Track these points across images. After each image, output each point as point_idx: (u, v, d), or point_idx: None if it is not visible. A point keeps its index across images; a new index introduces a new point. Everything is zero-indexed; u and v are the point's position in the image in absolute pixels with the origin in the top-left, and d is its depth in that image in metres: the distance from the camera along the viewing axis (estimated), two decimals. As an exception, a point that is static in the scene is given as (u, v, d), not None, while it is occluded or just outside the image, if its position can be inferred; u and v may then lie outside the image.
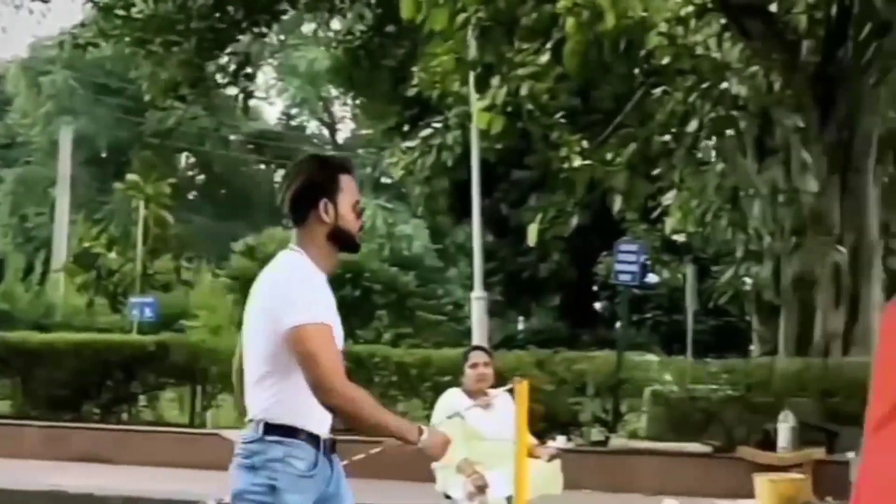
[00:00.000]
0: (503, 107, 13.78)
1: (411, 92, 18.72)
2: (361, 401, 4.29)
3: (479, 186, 16.89)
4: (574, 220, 15.62)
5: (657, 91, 15.25)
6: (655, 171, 16.78)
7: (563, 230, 15.79)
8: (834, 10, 14.10)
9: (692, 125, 15.63)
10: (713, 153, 16.48)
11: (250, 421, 4.44)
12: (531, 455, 8.48)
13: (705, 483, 13.36)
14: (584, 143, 15.54)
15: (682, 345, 18.32)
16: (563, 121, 15.52)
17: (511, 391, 8.38)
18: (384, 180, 42.42)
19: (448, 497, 8.78)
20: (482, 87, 13.91)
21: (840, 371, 13.72)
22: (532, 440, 8.74)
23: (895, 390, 5.19)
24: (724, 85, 15.32)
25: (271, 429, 4.37)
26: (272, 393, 4.38)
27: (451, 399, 8.84)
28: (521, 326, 31.07)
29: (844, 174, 15.30)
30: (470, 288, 18.71)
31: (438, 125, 17.17)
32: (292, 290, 4.34)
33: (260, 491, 4.35)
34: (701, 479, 13.50)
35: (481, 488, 8.52)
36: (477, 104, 14.33)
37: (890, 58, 14.06)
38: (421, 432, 4.40)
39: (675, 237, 20.64)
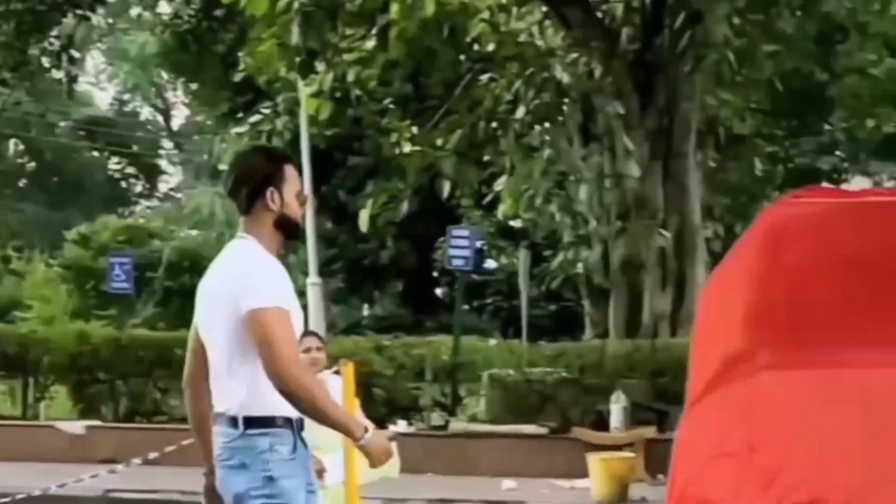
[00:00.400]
0: (331, 92, 13.79)
1: (239, 77, 18.54)
2: (315, 390, 4.42)
3: (311, 173, 16.88)
4: (405, 206, 15.72)
5: (484, 78, 15.44)
6: (486, 158, 16.93)
7: (394, 215, 15.90)
8: (649, -1, 14.47)
9: (519, 112, 15.85)
10: (543, 138, 16.69)
11: (221, 415, 4.52)
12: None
13: (542, 464, 13.63)
14: (415, 130, 15.65)
15: (520, 329, 18.60)
16: (393, 107, 15.60)
17: (338, 373, 8.47)
18: (222, 167, 41.85)
19: (285, 483, 8.82)
20: (306, 72, 13.89)
21: (668, 352, 14.11)
22: (369, 424, 8.82)
23: (710, 367, 5.45)
24: (548, 72, 15.54)
25: (251, 422, 4.47)
26: (246, 384, 4.46)
27: (285, 384, 8.89)
28: (365, 313, 31.18)
29: (666, 160, 15.69)
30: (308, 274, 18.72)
31: (267, 111, 17.06)
32: (249, 275, 4.48)
33: (259, 486, 4.46)
34: (538, 460, 13.77)
35: (319, 473, 8.56)
36: (305, 90, 14.30)
37: (703, 46, 14.48)
38: (365, 431, 4.53)
39: (511, 223, 20.90)
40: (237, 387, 4.47)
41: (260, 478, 4.46)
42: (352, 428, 4.53)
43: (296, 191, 4.73)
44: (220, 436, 4.54)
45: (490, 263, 24.27)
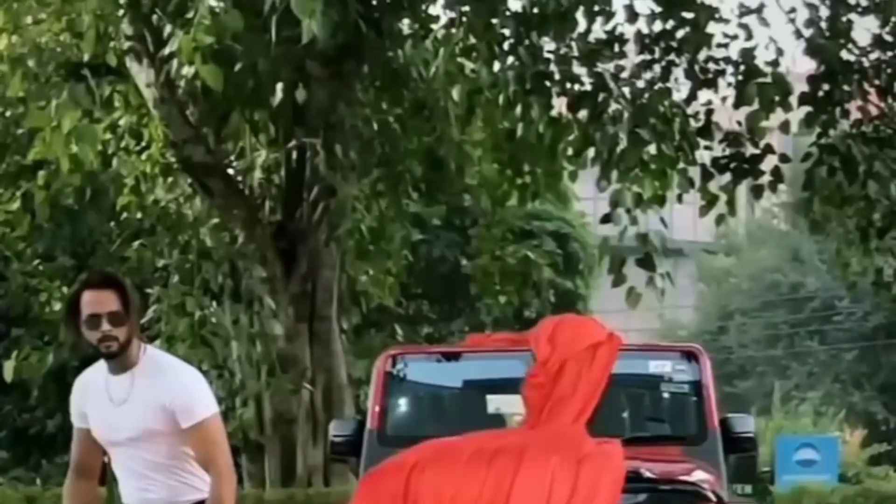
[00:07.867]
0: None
1: None
2: None
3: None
4: (50, 359, 15.95)
5: (135, 244, 16.14)
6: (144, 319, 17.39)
7: (39, 369, 16.10)
8: (285, 172, 15.59)
9: (174, 278, 16.51)
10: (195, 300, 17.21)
11: None
12: None
13: None
14: (65, 290, 16.11)
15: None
16: (42, 267, 16.05)
17: None
18: None
19: None
20: None
21: (325, 499, 14.84)
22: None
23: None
24: (196, 238, 16.35)
25: None
26: None
27: None
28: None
29: (311, 322, 16.66)
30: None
31: None
32: None
33: None
34: None
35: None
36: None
37: (336, 217, 15.71)
38: None
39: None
40: None
41: None
42: None
43: (85, 319, 4.96)
44: None
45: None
